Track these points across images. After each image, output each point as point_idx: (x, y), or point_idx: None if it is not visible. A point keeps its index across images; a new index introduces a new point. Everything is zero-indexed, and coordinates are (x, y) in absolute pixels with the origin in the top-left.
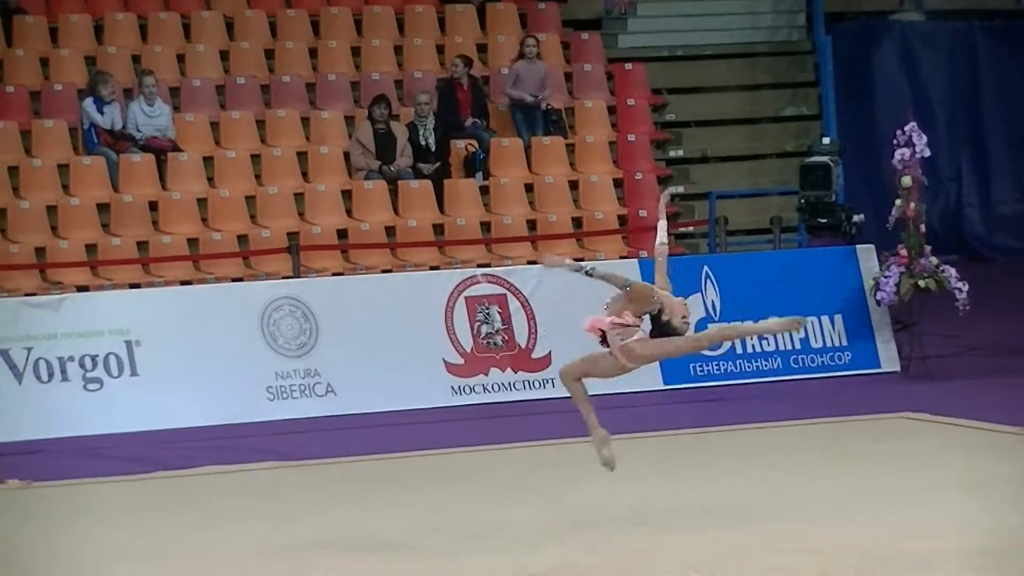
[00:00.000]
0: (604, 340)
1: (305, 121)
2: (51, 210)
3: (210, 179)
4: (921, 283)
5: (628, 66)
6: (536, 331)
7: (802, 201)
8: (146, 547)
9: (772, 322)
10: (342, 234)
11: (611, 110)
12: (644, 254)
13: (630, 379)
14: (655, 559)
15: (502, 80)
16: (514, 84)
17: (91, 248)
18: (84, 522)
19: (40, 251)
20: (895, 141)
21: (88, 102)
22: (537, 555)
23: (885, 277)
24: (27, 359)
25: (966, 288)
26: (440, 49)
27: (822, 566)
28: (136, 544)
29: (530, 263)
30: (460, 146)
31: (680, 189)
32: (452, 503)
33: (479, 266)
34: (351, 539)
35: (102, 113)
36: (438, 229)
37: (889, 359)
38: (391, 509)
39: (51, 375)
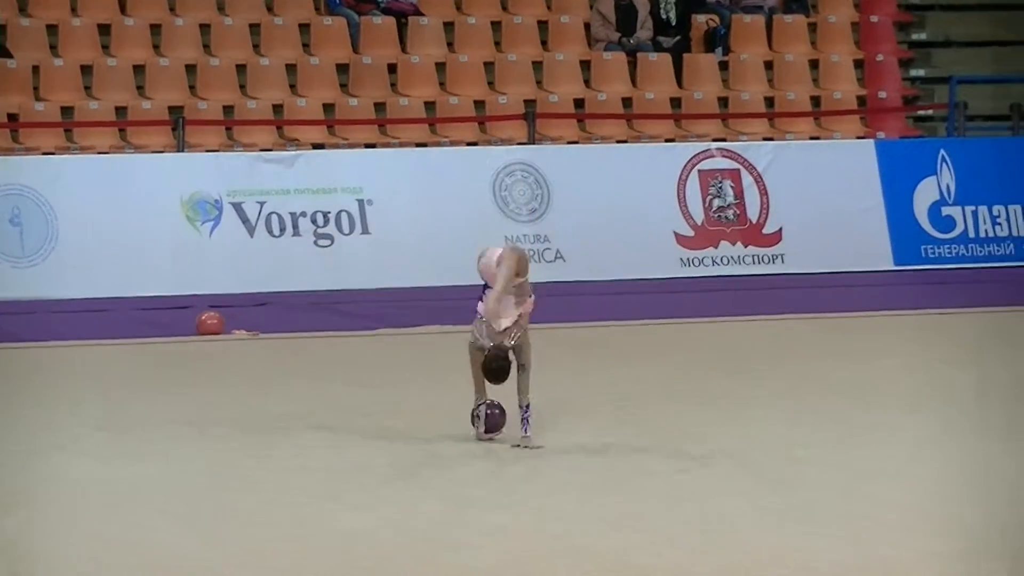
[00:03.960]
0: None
1: None
2: (290, 68)
3: (450, 44)
4: None
5: None
6: (768, 207)
7: None
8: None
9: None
10: (579, 104)
11: None
12: (881, 135)
13: (859, 258)
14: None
15: None
16: None
17: (328, 107)
18: (309, 373)
19: (278, 108)
20: None
21: None
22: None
23: None
24: (259, 213)
25: None
26: None
27: None
28: (363, 398)
29: (766, 139)
30: (701, 20)
31: (921, 72)
32: (684, 371)
33: (714, 140)
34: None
35: None
36: (675, 103)
37: None
38: (617, 372)
39: (283, 230)
